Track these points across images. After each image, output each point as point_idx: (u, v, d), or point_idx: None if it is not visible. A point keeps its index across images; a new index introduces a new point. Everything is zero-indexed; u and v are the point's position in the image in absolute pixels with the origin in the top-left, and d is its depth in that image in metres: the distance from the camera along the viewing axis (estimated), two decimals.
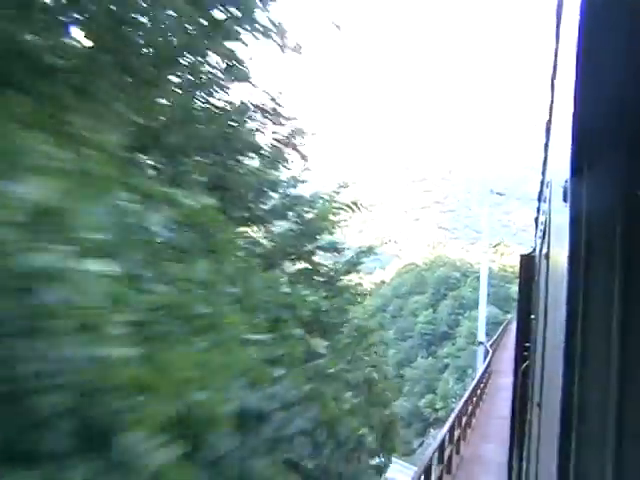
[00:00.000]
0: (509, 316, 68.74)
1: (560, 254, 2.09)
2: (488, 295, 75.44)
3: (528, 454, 4.67)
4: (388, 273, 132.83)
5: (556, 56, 2.83)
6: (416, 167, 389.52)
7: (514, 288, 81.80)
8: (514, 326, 11.03)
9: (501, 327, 58.66)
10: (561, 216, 2.12)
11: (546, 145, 4.01)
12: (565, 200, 1.96)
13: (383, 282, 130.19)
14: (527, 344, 6.25)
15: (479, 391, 24.25)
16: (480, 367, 30.75)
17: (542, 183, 4.85)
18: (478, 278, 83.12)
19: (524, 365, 6.28)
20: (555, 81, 2.97)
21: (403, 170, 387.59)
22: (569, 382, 1.72)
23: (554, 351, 2.24)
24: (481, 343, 36.89)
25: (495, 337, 46.98)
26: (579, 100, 1.62)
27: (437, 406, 63.86)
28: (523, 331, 6.92)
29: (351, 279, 17.60)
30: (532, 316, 5.70)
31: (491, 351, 32.57)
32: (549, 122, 3.57)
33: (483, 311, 39.96)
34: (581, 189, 1.80)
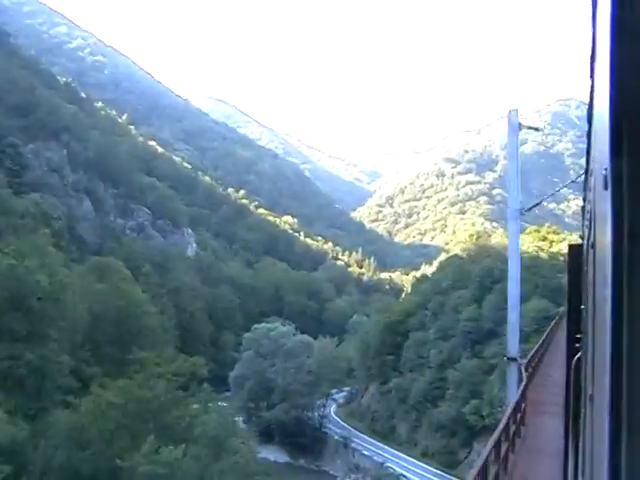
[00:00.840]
0: (562, 309, 61.96)
1: (604, 242, 2.06)
2: (537, 287, 68.75)
3: (583, 449, 4.62)
4: (434, 267, 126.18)
5: (594, 37, 2.67)
6: (462, 157, 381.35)
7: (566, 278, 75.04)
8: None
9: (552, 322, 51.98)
10: (603, 204, 2.09)
11: (588, 133, 4.10)
12: (606, 187, 1.93)
13: (425, 277, 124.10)
14: (578, 336, 6.39)
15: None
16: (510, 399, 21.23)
17: (586, 172, 5.27)
18: (527, 268, 76.51)
19: (576, 358, 6.37)
20: (594, 64, 2.86)
21: (448, 162, 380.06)
22: (618, 373, 1.70)
23: (602, 342, 2.14)
24: (513, 360, 22.41)
25: (544, 338, 40.32)
26: (615, 81, 1.60)
27: (483, 413, 57.25)
28: (574, 322, 7.39)
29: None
30: (582, 307, 6.00)
31: (525, 374, 22.23)
32: (590, 108, 3.61)
33: (515, 306, 20.95)
34: (621, 175, 1.78)
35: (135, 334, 70.63)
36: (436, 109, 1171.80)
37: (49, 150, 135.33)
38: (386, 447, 70.29)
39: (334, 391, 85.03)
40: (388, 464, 63.70)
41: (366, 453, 68.24)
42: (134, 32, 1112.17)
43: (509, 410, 16.99)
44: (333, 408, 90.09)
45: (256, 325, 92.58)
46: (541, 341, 37.91)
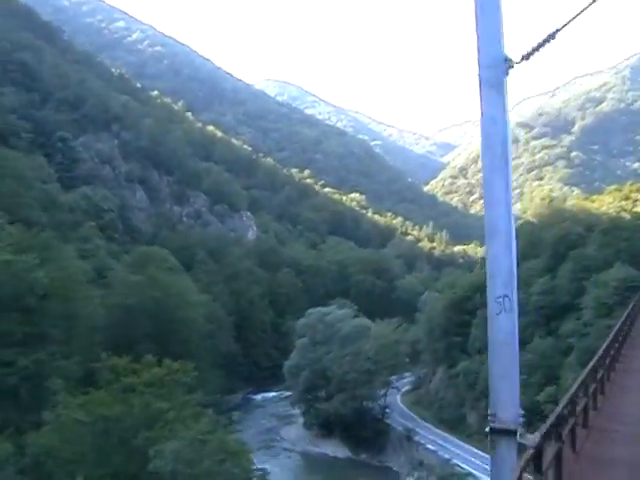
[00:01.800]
0: None
1: None
2: (619, 252, 59.51)
3: None
4: None
5: None
6: (536, 121, 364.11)
7: None
8: None
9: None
10: None
11: None
12: None
13: None
14: None
15: None
16: None
17: None
18: (607, 230, 67.20)
19: None
20: None
21: (522, 127, 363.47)
22: None
23: None
24: (504, 433, 6.60)
25: (628, 312, 32.33)
26: None
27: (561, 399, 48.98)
28: None
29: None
30: None
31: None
32: None
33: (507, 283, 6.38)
34: None
35: (171, 327, 65.67)
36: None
37: (100, 142, 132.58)
38: (454, 439, 63.01)
39: (394, 378, 77.68)
40: (455, 460, 56.44)
41: (431, 447, 61.04)
42: (193, 21, 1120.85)
43: None
44: (399, 396, 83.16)
45: (310, 309, 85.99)
46: (625, 316, 29.97)
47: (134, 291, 65.94)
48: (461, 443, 61.88)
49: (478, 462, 55.70)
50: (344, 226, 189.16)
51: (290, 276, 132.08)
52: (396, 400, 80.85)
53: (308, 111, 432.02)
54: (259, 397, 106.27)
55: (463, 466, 55.03)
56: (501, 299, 7.32)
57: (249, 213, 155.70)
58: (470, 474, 52.63)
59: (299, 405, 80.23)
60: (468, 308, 72.56)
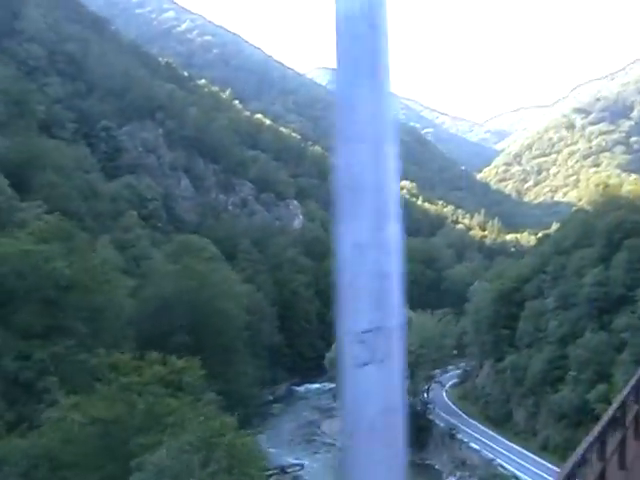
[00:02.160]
0: None
1: None
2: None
3: None
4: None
5: None
6: (593, 106, 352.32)
7: None
8: None
9: None
10: None
11: None
12: None
13: (546, 236, 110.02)
14: None
15: None
16: None
17: None
18: None
19: None
20: None
21: (578, 112, 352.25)
22: None
23: None
24: None
25: None
26: None
27: (613, 400, 45.52)
28: None
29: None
30: None
31: None
32: None
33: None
34: None
35: (208, 319, 64.13)
36: (562, 59, 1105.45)
37: (144, 131, 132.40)
38: (499, 437, 59.80)
39: (438, 372, 74.55)
40: (499, 460, 53.38)
41: (474, 446, 58.01)
42: (243, 10, 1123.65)
43: None
44: (445, 390, 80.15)
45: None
46: None
47: (169, 281, 64.61)
48: (506, 442, 58.74)
49: (523, 462, 52.68)
50: None
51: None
52: (441, 395, 78.00)
53: None
54: (302, 388, 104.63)
55: (507, 467, 51.99)
56: (367, 337, 2.74)
57: (295, 202, 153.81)
58: (513, 476, 49.62)
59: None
60: (516, 300, 69.14)
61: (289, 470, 63.15)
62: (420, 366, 66.86)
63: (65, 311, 40.75)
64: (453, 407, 73.11)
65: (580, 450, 7.30)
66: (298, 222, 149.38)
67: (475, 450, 57.56)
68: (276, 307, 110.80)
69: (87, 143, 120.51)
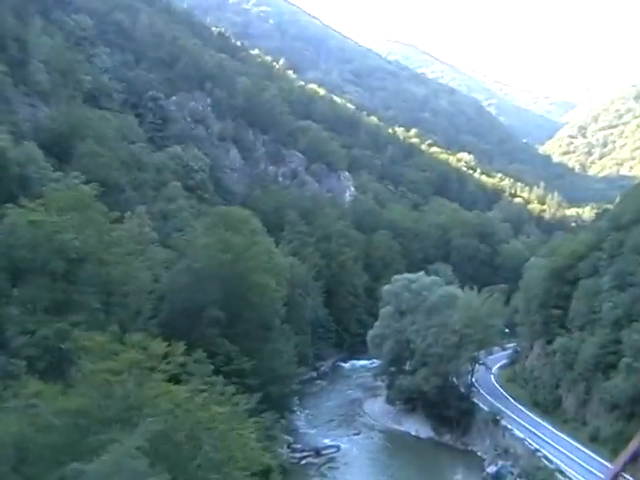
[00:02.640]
0: None
1: None
2: None
3: None
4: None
5: None
6: None
7: None
8: None
9: None
10: None
11: None
12: None
13: (605, 210, 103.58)
14: None
15: None
16: None
17: None
18: None
19: None
20: None
21: None
22: None
23: None
24: None
25: None
26: None
27: None
28: None
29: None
30: None
31: None
32: None
33: None
34: None
35: (243, 293, 61.79)
36: (631, 29, 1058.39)
37: (193, 101, 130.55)
38: (547, 425, 55.86)
39: (484, 352, 70.44)
40: (544, 451, 49.55)
41: (519, 434, 54.22)
42: None
43: None
44: (494, 371, 76.19)
45: (396, 276, 79.69)
46: None
47: (204, 254, 62.32)
48: (554, 430, 54.76)
49: (569, 453, 48.81)
50: (449, 187, 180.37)
51: (387, 239, 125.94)
52: (489, 376, 74.16)
53: (420, 70, 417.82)
54: (348, 365, 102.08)
55: (552, 459, 48.19)
56: None
57: (347, 173, 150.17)
58: (558, 469, 45.85)
59: (382, 378, 75.10)
60: (569, 278, 64.52)
61: (324, 452, 60.74)
62: (464, 346, 63.27)
63: (76, 285, 38.79)
64: (500, 390, 69.32)
65: (632, 446, 4.90)
66: (349, 194, 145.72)
67: (519, 438, 53.86)
68: (322, 281, 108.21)
69: (135, 114, 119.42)
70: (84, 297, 38.92)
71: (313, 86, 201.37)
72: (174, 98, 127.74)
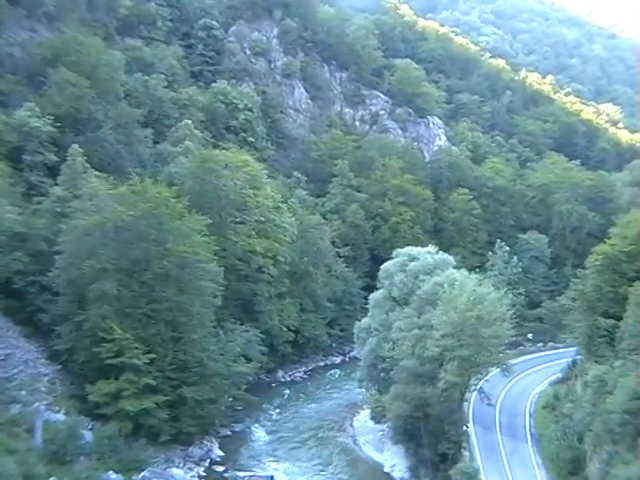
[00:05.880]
0: None
1: None
2: None
3: None
4: None
5: None
6: None
7: None
8: None
9: None
10: None
11: None
12: None
13: None
14: None
15: None
16: None
17: None
18: None
19: None
20: None
21: None
22: None
23: None
24: None
25: None
26: None
27: None
28: None
29: None
30: None
31: None
32: None
33: None
34: None
35: (148, 262, 46.72)
36: None
37: (257, 31, 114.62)
38: None
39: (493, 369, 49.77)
40: None
41: None
42: None
43: None
44: (538, 390, 56.23)
45: (398, 249, 60.33)
46: None
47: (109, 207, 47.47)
48: None
49: None
50: (573, 142, 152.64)
51: (466, 199, 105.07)
52: (528, 395, 54.40)
53: (589, 18, 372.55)
54: None
55: None
56: None
57: (438, 119, 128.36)
58: None
59: (365, 385, 57.34)
60: (627, 273, 43.38)
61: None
62: (446, 365, 43.79)
63: None
64: (525, 419, 49.58)
65: None
66: (439, 144, 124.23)
67: None
68: (367, 246, 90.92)
69: (186, 45, 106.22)
70: None
71: (430, 23, 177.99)
72: (234, 28, 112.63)
